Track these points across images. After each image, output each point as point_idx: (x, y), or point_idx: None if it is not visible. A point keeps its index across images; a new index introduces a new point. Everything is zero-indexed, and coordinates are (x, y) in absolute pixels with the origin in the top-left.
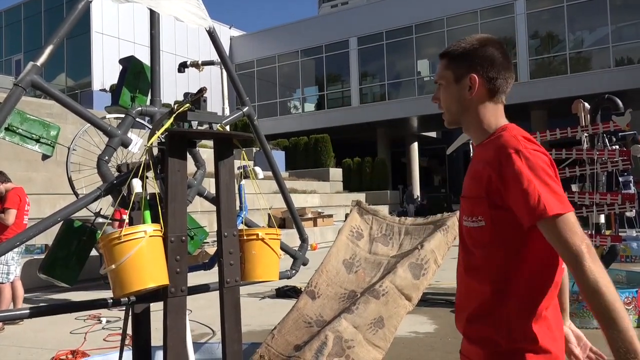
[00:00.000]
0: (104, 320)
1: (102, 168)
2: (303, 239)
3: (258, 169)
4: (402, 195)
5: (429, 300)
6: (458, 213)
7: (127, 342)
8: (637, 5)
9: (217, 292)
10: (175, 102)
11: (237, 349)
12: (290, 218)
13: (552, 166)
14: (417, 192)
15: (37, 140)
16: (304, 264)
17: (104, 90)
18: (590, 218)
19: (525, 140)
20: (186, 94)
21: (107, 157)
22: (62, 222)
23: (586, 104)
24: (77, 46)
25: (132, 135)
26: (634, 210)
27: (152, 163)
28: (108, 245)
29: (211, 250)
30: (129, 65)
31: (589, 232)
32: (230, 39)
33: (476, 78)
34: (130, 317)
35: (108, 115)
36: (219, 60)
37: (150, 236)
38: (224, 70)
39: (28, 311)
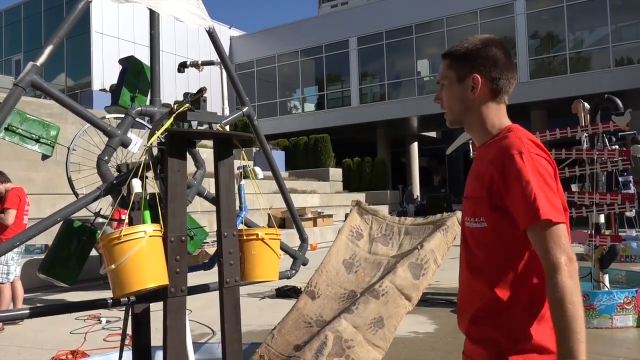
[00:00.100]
0: (104, 320)
1: (102, 168)
2: (303, 239)
3: (258, 169)
4: (402, 195)
5: (428, 300)
6: (458, 213)
7: (127, 342)
8: (637, 5)
9: (217, 292)
10: (175, 102)
11: (237, 349)
12: (290, 218)
13: (554, 173)
14: (417, 192)
15: (37, 140)
16: (304, 264)
17: (103, 90)
18: (590, 218)
19: (530, 143)
20: (186, 94)
21: (106, 157)
22: (62, 222)
23: (586, 104)
24: (77, 46)
25: (132, 135)
26: (633, 210)
27: (152, 163)
28: (108, 245)
29: (211, 250)
30: (129, 65)
31: (589, 232)
32: (230, 39)
33: (479, 78)
34: (130, 317)
35: (108, 115)
36: (219, 60)
37: (150, 236)
38: (223, 71)
39: (28, 311)
